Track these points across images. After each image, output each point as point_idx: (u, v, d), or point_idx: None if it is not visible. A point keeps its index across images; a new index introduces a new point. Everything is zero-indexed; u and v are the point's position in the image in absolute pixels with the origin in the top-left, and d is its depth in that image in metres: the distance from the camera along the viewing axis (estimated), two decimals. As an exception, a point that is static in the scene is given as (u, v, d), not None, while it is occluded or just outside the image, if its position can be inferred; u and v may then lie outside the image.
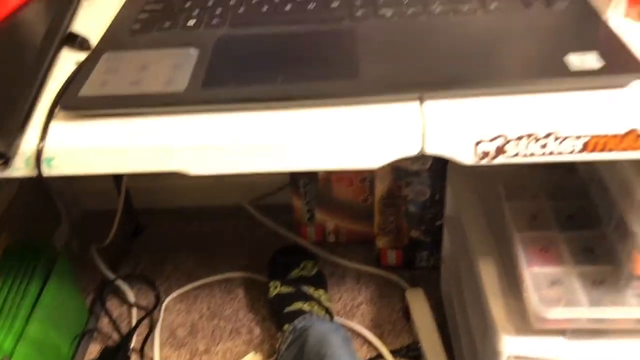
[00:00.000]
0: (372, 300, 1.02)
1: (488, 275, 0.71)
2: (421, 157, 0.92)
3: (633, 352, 0.63)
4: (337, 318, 0.97)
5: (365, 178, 1.03)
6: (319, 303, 0.94)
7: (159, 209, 1.22)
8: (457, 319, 0.88)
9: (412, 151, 0.43)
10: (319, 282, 1.00)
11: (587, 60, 0.43)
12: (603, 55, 0.43)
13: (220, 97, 0.44)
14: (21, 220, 1.05)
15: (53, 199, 1.17)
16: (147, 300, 1.06)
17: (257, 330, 0.99)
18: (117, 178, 1.12)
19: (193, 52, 0.48)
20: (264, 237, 1.15)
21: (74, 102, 0.45)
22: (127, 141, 0.44)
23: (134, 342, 0.99)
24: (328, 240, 1.12)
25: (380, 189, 0.98)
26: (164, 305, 1.04)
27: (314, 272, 1.01)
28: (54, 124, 0.45)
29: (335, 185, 1.05)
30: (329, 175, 1.04)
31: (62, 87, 0.48)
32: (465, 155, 0.43)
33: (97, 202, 1.19)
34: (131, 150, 0.44)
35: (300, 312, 0.90)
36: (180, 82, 0.45)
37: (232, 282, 1.07)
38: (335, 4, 0.52)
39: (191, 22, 0.52)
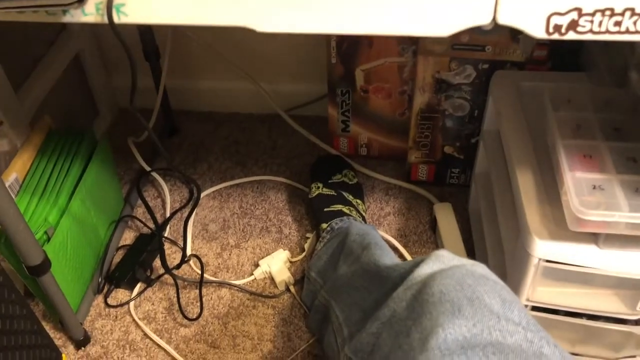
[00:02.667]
0: (400, 212, 1.04)
1: (525, 182, 0.72)
2: (465, 71, 0.91)
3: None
4: (365, 225, 0.99)
5: (404, 91, 1.03)
6: (357, 210, 0.96)
7: (196, 112, 1.24)
8: (485, 233, 0.89)
9: (484, 20, 0.43)
10: (358, 192, 1.02)
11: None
12: None
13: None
14: (62, 107, 1.07)
15: (92, 91, 1.18)
16: (181, 194, 1.09)
17: (286, 230, 1.02)
18: (156, 76, 1.12)
19: None
20: (297, 145, 1.16)
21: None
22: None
23: (168, 232, 1.02)
24: (360, 153, 1.13)
25: (419, 101, 0.97)
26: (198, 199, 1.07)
27: (354, 181, 1.03)
28: (125, -29, 0.46)
29: (372, 97, 1.05)
30: (367, 87, 1.04)
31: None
32: (536, 27, 0.43)
33: (135, 99, 1.20)
34: (200, 1, 0.44)
35: (339, 213, 0.93)
36: None
37: (264, 185, 1.10)
38: None
39: None
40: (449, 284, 0.48)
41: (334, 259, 0.81)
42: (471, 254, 0.94)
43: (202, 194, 1.08)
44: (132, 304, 0.92)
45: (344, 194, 0.98)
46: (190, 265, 0.97)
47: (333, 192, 0.98)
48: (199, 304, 0.91)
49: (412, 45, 0.97)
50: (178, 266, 0.93)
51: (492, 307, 0.46)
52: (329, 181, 1.00)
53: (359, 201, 1.00)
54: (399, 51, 0.98)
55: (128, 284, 0.94)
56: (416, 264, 0.54)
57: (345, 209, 0.95)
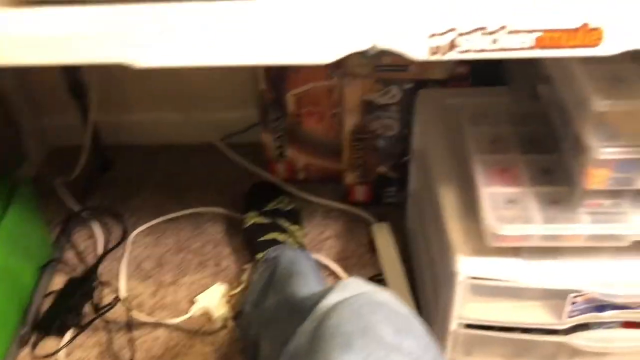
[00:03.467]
0: (340, 235, 1.03)
1: (447, 200, 0.72)
2: (388, 92, 0.91)
3: (585, 272, 0.65)
4: (303, 251, 0.98)
5: (336, 113, 1.02)
6: (293, 237, 0.95)
7: (128, 145, 1.21)
8: (420, 251, 0.89)
9: (365, 45, 0.42)
10: (294, 217, 1.00)
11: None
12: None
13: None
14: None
15: (19, 132, 1.14)
16: (114, 233, 1.05)
17: (223, 263, 0.99)
18: (84, 113, 1.09)
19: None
20: (234, 174, 1.14)
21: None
22: (67, 28, 0.42)
23: (100, 274, 0.99)
24: (298, 178, 1.12)
25: (349, 123, 0.97)
26: (130, 238, 1.03)
27: (289, 207, 1.01)
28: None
29: (305, 120, 1.04)
30: (300, 111, 1.03)
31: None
32: (417, 50, 0.43)
33: (65, 137, 1.17)
34: (71, 38, 0.42)
35: (274, 242, 0.91)
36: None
37: (201, 217, 1.07)
38: None
39: None
40: (345, 315, 0.47)
41: (265, 290, 0.79)
42: (410, 273, 0.93)
43: (137, 230, 1.05)
44: (62, 352, 0.88)
45: (279, 221, 0.97)
46: (125, 307, 0.93)
47: (268, 221, 0.97)
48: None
49: (339, 68, 0.96)
50: (106, 310, 0.89)
51: (384, 337, 0.45)
52: (263, 209, 0.99)
53: (295, 227, 0.98)
54: (326, 75, 0.98)
55: (58, 331, 0.90)
56: (323, 295, 0.53)
57: (280, 237, 0.93)
